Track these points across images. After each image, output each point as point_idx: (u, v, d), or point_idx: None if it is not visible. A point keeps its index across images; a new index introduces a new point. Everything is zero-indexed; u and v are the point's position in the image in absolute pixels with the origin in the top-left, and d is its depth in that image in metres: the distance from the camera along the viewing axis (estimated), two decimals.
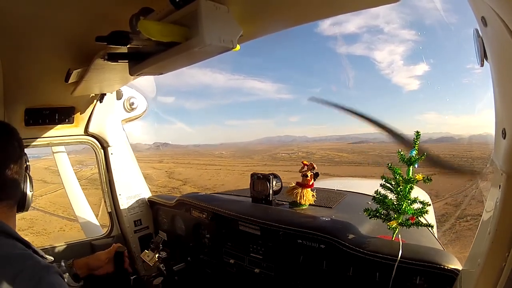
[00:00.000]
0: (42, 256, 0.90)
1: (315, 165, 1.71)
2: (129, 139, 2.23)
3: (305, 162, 1.73)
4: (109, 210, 2.16)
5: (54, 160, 3.18)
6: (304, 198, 1.70)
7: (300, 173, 1.73)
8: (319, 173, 1.72)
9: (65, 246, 1.93)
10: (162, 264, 1.81)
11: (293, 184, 1.76)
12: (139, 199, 2.23)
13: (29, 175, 1.05)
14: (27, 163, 1.07)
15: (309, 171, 1.70)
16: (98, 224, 2.85)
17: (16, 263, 0.75)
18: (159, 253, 1.82)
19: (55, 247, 1.89)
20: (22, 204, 1.00)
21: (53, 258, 1.44)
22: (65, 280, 1.48)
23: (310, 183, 1.71)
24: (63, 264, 1.54)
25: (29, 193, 1.02)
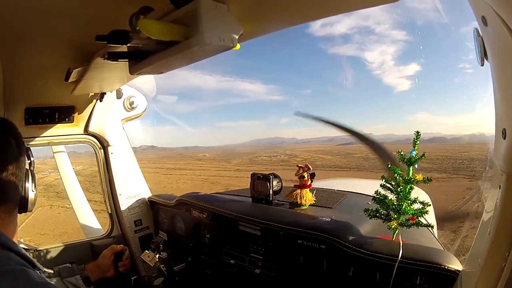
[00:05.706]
0: (39, 269, 0.83)
1: (310, 166, 1.73)
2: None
3: (300, 165, 1.75)
4: (109, 211, 2.16)
5: (54, 160, 3.19)
6: (304, 198, 1.71)
7: (297, 176, 1.74)
8: (315, 173, 1.74)
9: (64, 247, 1.93)
10: (163, 265, 1.80)
11: (292, 187, 1.77)
12: (139, 199, 2.23)
13: (32, 172, 0.97)
14: (32, 159, 1.00)
15: (305, 172, 1.72)
16: (98, 224, 2.85)
17: (7, 280, 0.69)
18: (160, 254, 1.82)
19: (54, 247, 1.89)
20: (23, 205, 0.92)
21: (52, 271, 1.41)
22: (77, 281, 1.45)
23: (308, 183, 1.72)
24: (74, 267, 1.50)
25: (31, 193, 0.93)
